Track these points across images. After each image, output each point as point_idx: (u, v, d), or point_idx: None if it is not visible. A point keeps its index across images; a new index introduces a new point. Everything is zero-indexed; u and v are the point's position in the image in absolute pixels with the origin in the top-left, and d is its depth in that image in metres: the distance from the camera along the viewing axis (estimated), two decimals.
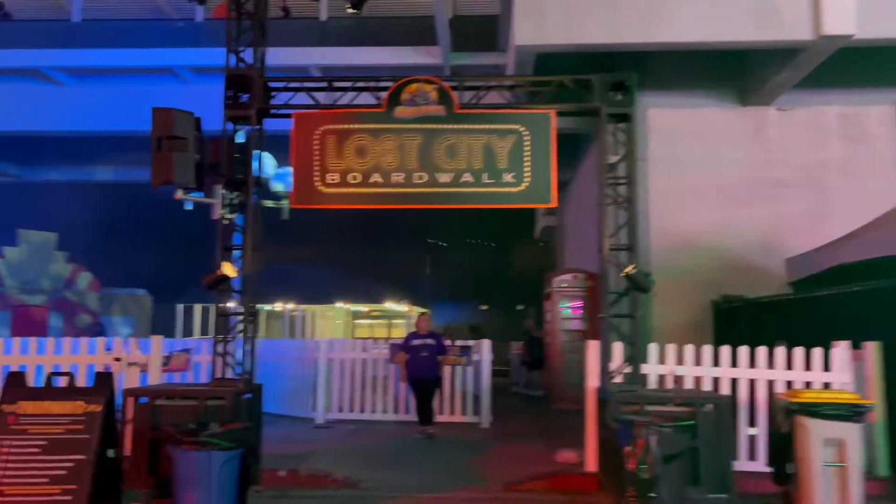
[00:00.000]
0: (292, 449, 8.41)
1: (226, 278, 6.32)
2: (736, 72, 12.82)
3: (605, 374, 6.53)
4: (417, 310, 23.20)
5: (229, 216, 6.73)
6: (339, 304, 31.35)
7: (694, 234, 12.73)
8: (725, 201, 12.58)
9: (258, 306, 6.85)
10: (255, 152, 6.81)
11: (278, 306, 30.43)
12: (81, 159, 18.43)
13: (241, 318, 6.63)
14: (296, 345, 11.55)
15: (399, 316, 33.24)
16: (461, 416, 10.74)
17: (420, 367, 9.48)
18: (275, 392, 11.73)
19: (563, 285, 13.72)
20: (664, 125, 12.73)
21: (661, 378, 7.05)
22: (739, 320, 11.50)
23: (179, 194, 6.29)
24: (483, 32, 14.23)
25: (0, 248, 18.32)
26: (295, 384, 11.38)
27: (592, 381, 7.08)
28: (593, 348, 7.20)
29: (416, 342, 9.61)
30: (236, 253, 6.66)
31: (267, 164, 9.73)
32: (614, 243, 6.58)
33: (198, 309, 29.74)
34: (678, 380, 7.07)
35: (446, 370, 10.35)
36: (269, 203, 10.44)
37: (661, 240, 12.74)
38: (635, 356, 6.37)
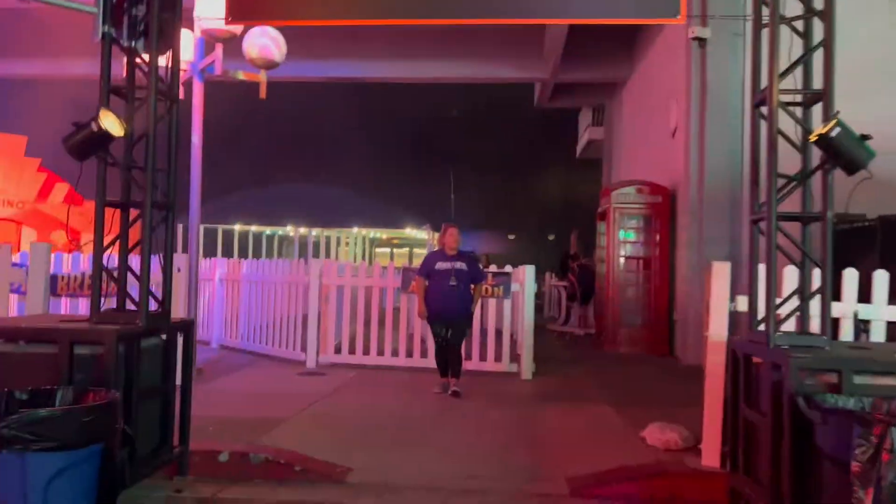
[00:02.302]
0: (261, 410, 5.92)
1: (105, 138, 3.65)
2: None
3: (768, 313, 3.76)
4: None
5: (125, 43, 4.01)
6: (355, 230, 28.87)
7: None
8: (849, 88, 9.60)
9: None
10: None
11: (290, 229, 28.05)
12: (50, 46, 15.65)
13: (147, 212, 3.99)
14: (283, 266, 8.98)
15: (421, 244, 30.67)
16: (494, 364, 8.18)
17: (446, 301, 6.79)
18: (258, 326, 9.29)
19: (624, 200, 10.90)
20: None
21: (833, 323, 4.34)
22: (867, 247, 8.69)
23: None
24: None
25: None
26: (282, 317, 8.89)
27: (718, 325, 4.40)
28: (720, 274, 4.48)
29: (442, 266, 6.90)
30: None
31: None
32: (787, 91, 3.74)
33: (200, 229, 27.31)
34: (863, 326, 4.37)
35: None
36: (240, 75, 7.67)
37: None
38: (823, 288, 3.60)
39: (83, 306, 6.80)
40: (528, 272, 8.12)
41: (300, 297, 8.67)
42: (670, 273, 10.92)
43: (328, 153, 31.94)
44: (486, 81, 17.83)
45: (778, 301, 3.73)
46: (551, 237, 34.00)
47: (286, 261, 9.01)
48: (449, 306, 6.79)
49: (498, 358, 8.19)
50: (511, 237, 36.57)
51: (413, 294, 7.65)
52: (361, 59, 16.52)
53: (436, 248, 7.23)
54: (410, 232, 29.60)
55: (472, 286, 6.96)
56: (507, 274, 8.12)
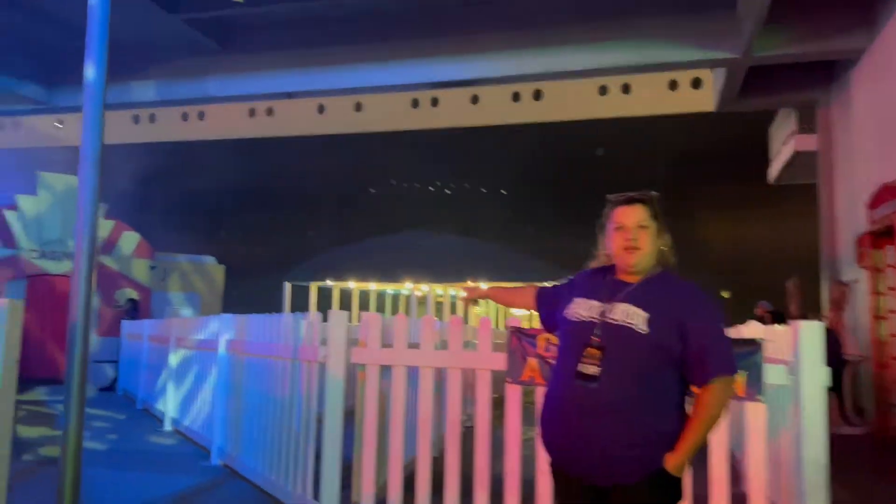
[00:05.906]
0: None
1: None
2: None
3: None
4: None
5: None
6: (484, 286, 24.57)
7: None
8: None
9: None
10: None
11: (410, 286, 24.28)
12: (115, 68, 13.33)
13: None
14: (285, 329, 4.74)
15: None
16: None
17: (569, 421, 2.04)
18: (255, 435, 5.18)
19: None
20: None
21: None
22: None
23: None
24: None
25: (11, 197, 13.52)
26: (283, 424, 4.67)
27: None
28: None
29: (581, 311, 2.16)
30: None
31: None
32: None
33: (314, 288, 24.34)
34: None
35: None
36: None
37: None
38: None
39: None
40: (806, 338, 3.34)
41: (309, 386, 4.44)
42: None
43: (453, 201, 28.42)
44: (652, 69, 13.30)
45: None
46: (726, 294, 27.92)
47: (295, 317, 4.71)
48: (576, 437, 2.04)
49: None
50: None
51: (536, 386, 3.18)
52: (479, 53, 12.66)
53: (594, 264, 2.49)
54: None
55: (695, 386, 2.13)
56: (755, 342, 3.41)
